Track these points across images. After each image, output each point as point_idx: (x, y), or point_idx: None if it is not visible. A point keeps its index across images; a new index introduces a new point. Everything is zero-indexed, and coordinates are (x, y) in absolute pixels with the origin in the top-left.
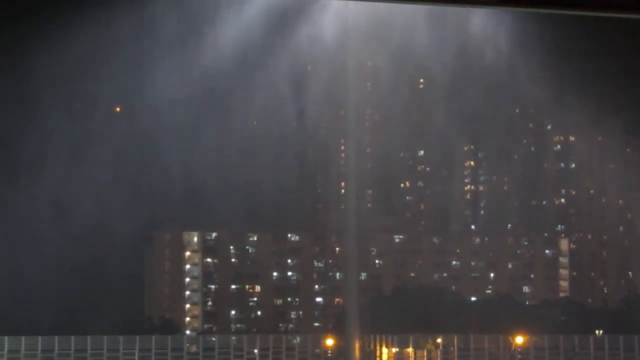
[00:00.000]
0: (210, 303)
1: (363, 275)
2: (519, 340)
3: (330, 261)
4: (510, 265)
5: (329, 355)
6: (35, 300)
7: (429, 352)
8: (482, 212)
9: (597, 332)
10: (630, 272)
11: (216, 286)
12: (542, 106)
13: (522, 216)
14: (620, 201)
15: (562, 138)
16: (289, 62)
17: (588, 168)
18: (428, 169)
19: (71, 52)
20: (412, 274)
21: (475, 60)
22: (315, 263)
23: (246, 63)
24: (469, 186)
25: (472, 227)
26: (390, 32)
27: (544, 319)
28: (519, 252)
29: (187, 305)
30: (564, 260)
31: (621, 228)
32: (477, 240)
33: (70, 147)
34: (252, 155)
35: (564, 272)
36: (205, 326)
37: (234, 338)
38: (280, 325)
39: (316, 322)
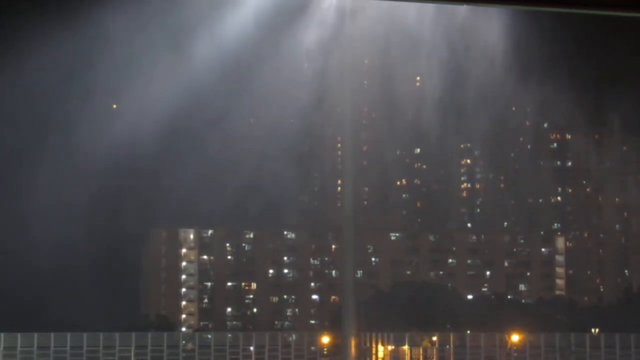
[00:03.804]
0: (206, 300)
1: (359, 273)
2: (515, 338)
3: (326, 259)
4: (506, 263)
5: (325, 352)
6: (31, 298)
7: (425, 349)
8: (478, 210)
9: (593, 330)
10: (626, 271)
11: (212, 283)
12: (538, 104)
13: (519, 214)
14: (617, 199)
15: (558, 136)
16: (285, 60)
17: (585, 166)
18: (425, 166)
19: (66, 50)
20: (409, 272)
21: (472, 59)
22: (312, 261)
23: (242, 61)
24: (465, 184)
25: (469, 225)
26: (387, 30)
27: (540, 317)
28: (515, 250)
29: (183, 303)
30: (560, 258)
31: (618, 226)
32: (474, 238)
33: (65, 145)
34: (249, 153)
35: (560, 270)
36: (201, 323)
37: (230, 335)
38: (277, 322)
39: (312, 319)
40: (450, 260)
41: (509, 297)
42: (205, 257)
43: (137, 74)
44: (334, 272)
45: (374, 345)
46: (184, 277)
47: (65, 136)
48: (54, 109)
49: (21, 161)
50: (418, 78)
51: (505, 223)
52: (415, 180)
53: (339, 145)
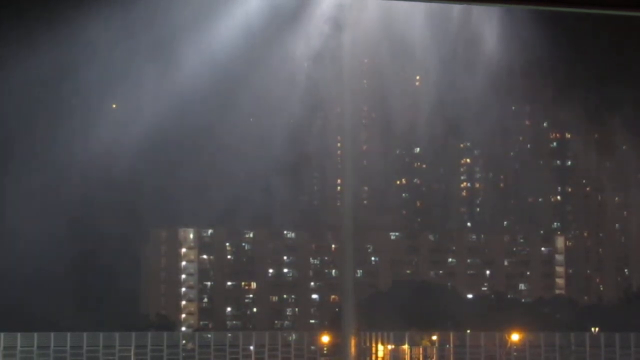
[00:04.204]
0: (206, 300)
1: (359, 273)
2: (515, 337)
3: (326, 258)
4: (506, 263)
5: (325, 352)
6: (31, 296)
7: (424, 349)
8: (478, 209)
9: (593, 329)
10: (626, 270)
11: (212, 283)
12: (538, 103)
13: (518, 213)
14: (617, 198)
15: (558, 135)
16: (285, 59)
17: (584, 165)
18: (424, 166)
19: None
20: (408, 271)
21: (472, 58)
22: (312, 260)
23: (242, 60)
24: (465, 183)
25: (469, 224)
26: (387, 29)
27: (540, 316)
28: (515, 249)
29: (183, 302)
30: (560, 257)
31: (617, 225)
32: (473, 237)
33: (64, 143)
34: (249, 152)
35: (560, 269)
36: (201, 323)
37: (229, 335)
38: (276, 322)
39: (312, 319)
40: (450, 260)
41: (508, 296)
42: (205, 256)
43: (131, 78)
44: (333, 271)
45: (373, 345)
46: (183, 276)
47: (61, 136)
48: (43, 109)
49: (18, 160)
50: (418, 78)
51: (505, 222)
52: (415, 180)
53: (338, 144)
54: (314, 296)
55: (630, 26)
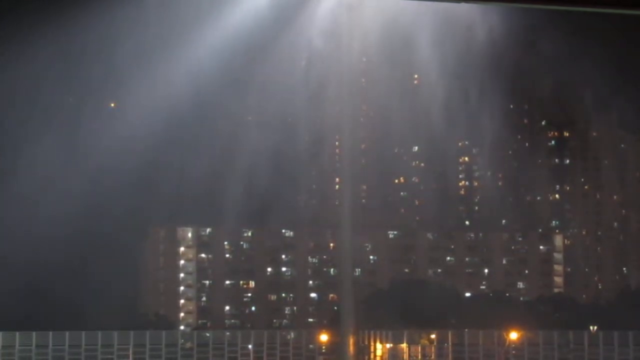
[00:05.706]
0: (204, 299)
1: (357, 271)
2: (514, 336)
3: (324, 257)
4: (504, 261)
5: (324, 350)
6: (30, 295)
7: (423, 347)
8: (476, 207)
9: (591, 328)
10: (624, 268)
11: (210, 282)
12: (536, 102)
13: (517, 212)
14: (615, 197)
15: (556, 134)
16: (284, 58)
17: (582, 164)
18: (423, 164)
19: (63, 48)
20: (407, 270)
21: (470, 56)
22: (310, 259)
23: (241, 59)
24: (463, 182)
25: (467, 222)
26: (385, 28)
27: (538, 314)
28: (513, 247)
29: (182, 301)
30: (558, 256)
31: (615, 224)
32: (472, 235)
33: (63, 143)
34: (247, 151)
35: (558, 267)
36: (200, 322)
37: (228, 334)
38: (275, 320)
39: (310, 317)
40: (448, 258)
41: (507, 294)
42: (203, 255)
43: (141, 69)
44: (332, 270)
45: (372, 343)
46: (182, 275)
47: (63, 133)
48: (53, 104)
49: (19, 153)
50: (416, 76)
51: (504, 221)
52: (414, 178)
53: (337, 143)
54: (313, 295)
55: (629, 24)
